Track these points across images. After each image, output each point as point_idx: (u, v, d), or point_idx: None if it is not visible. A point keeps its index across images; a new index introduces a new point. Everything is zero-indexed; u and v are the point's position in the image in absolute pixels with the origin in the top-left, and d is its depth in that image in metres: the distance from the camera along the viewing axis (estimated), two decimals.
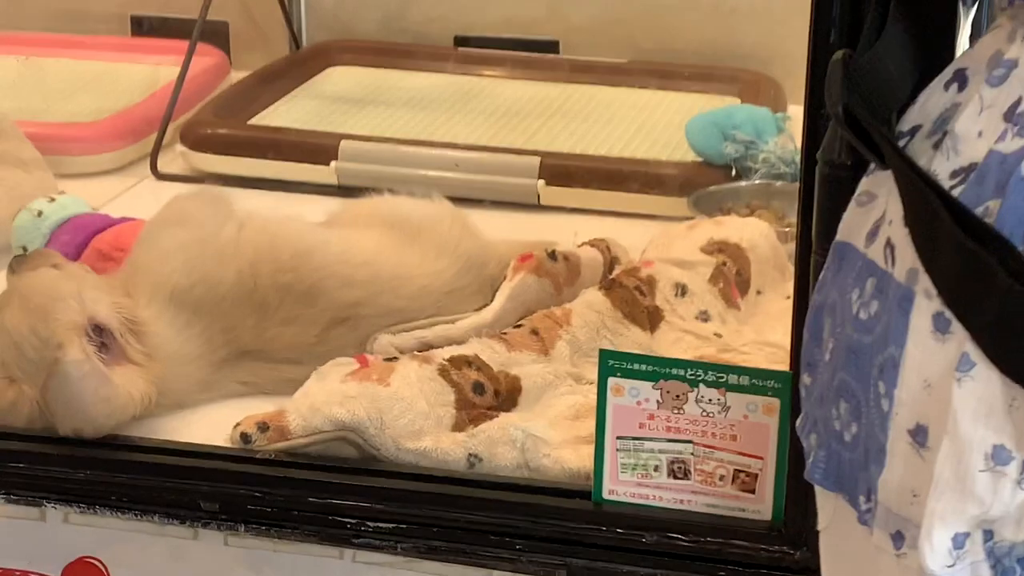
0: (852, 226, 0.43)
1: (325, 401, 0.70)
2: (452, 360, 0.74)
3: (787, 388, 0.58)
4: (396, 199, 0.91)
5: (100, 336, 0.72)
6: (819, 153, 0.56)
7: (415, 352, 0.77)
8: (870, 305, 0.39)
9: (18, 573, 0.72)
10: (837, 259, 0.43)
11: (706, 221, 0.93)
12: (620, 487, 0.63)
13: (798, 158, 0.97)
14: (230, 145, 1.12)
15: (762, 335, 0.83)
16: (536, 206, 1.05)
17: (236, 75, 1.35)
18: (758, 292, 0.89)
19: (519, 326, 0.79)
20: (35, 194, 1.03)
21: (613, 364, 0.60)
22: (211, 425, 0.77)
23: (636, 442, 0.61)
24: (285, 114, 1.22)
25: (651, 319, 0.82)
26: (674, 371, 0.60)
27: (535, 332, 0.78)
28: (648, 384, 0.59)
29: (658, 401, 0.60)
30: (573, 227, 1.02)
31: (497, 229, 1.01)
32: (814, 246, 0.57)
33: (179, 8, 1.38)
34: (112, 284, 0.79)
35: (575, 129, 1.20)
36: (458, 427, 0.71)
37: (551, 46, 1.37)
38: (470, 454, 0.69)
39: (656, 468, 0.62)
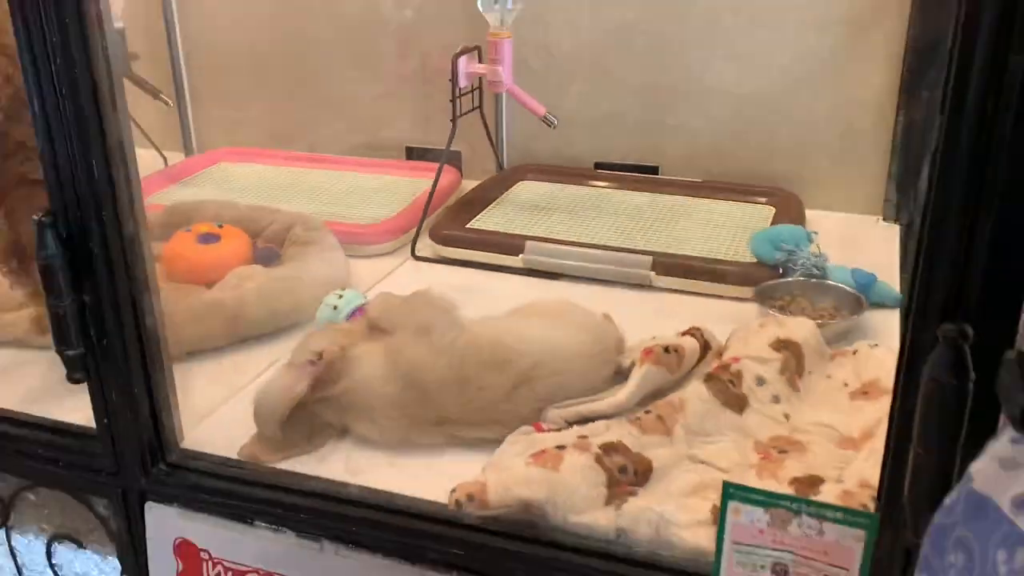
0: (992, 482, 0.38)
1: (515, 482, 0.80)
2: (604, 448, 0.84)
3: (874, 525, 0.63)
4: (552, 300, 1.10)
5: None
6: (927, 368, 0.52)
7: (576, 436, 0.88)
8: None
9: None
10: (972, 506, 0.39)
11: (771, 321, 1.04)
12: None
13: (823, 263, 1.24)
14: (457, 240, 1.39)
15: (816, 413, 0.93)
16: (649, 287, 1.29)
17: (467, 184, 1.64)
18: (809, 373, 0.99)
19: (648, 412, 0.89)
20: (336, 274, 1.28)
21: (733, 492, 0.65)
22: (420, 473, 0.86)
23: (748, 548, 0.67)
24: (491, 218, 1.46)
25: (739, 404, 0.92)
26: (781, 502, 0.64)
27: (660, 418, 0.89)
28: (760, 509, 0.64)
29: (768, 522, 0.64)
30: (672, 304, 1.27)
31: (622, 302, 1.24)
32: (915, 444, 0.55)
33: (438, 143, 1.60)
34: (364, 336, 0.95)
35: (671, 228, 1.44)
36: (608, 501, 0.80)
37: (654, 169, 1.64)
38: (618, 528, 0.78)
39: (762, 567, 0.67)
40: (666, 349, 0.99)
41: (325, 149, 1.79)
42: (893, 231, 1.52)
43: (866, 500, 0.76)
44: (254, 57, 1.83)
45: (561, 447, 0.86)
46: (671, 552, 0.77)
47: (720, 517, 0.71)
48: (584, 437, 0.91)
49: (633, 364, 1.01)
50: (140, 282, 0.85)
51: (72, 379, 0.85)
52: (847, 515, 0.66)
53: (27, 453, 0.95)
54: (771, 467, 0.89)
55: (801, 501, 0.68)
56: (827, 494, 0.78)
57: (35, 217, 0.79)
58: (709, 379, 0.96)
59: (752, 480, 0.88)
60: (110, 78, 0.79)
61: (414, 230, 1.45)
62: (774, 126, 1.57)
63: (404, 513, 0.83)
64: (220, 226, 1.32)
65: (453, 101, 1.44)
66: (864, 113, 1.51)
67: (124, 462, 0.90)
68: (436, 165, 1.49)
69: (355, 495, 0.85)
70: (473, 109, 1.53)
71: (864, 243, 1.45)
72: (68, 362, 0.84)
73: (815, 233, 1.31)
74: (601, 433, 0.92)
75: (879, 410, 0.94)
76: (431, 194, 1.45)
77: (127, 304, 0.84)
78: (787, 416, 0.95)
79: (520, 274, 1.36)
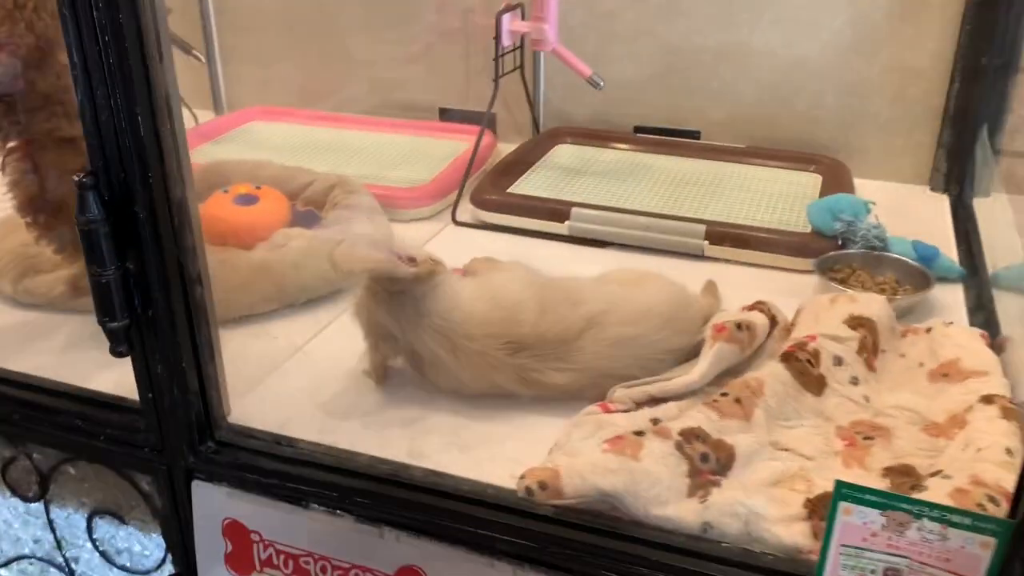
0: None
1: (591, 470, 0.71)
2: (683, 434, 0.75)
3: (1007, 533, 0.55)
4: (628, 269, 1.01)
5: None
6: None
7: (648, 419, 0.80)
8: None
9: (360, 567, 0.77)
10: None
11: (842, 297, 0.95)
12: None
13: (884, 234, 1.13)
14: (500, 206, 1.28)
15: (895, 396, 0.85)
16: (701, 257, 1.19)
17: (502, 147, 1.52)
18: (883, 352, 0.91)
19: (724, 394, 0.80)
20: (381, 239, 1.08)
21: (845, 492, 0.58)
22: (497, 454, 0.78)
23: (857, 551, 0.60)
24: (532, 183, 1.36)
25: (818, 386, 0.83)
26: (901, 505, 0.57)
27: (738, 401, 0.79)
28: (875, 511, 0.57)
29: (883, 525, 0.57)
30: (726, 275, 1.14)
31: (673, 272, 1.06)
32: None
33: (473, 104, 1.59)
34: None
35: (718, 196, 1.33)
36: (691, 493, 0.71)
37: (695, 134, 1.52)
38: (704, 522, 0.69)
39: (872, 572, 0.60)
40: (738, 326, 0.89)
41: (355, 109, 1.68)
42: (942, 201, 1.41)
43: (981, 499, 0.67)
44: (286, 15, 1.71)
45: (639, 433, 0.76)
46: (762, 549, 0.69)
47: (829, 516, 0.62)
48: (657, 420, 0.83)
49: (702, 341, 0.91)
50: (188, 249, 0.75)
51: (115, 352, 0.75)
52: (976, 521, 0.58)
53: (67, 426, 0.85)
54: (858, 454, 0.80)
55: (923, 504, 0.59)
56: (936, 490, 0.69)
57: (76, 177, 0.68)
58: (787, 359, 0.86)
59: (839, 469, 0.79)
60: (156, 26, 0.68)
61: (454, 194, 1.34)
62: (821, 92, 1.45)
63: (471, 500, 0.74)
64: (258, 187, 1.21)
65: (496, 60, 1.33)
66: (916, 80, 1.39)
67: (169, 439, 0.81)
68: (469, 127, 1.41)
69: (418, 479, 0.75)
70: (515, 69, 1.42)
71: (912, 213, 1.34)
72: (111, 334, 0.74)
73: (873, 203, 1.20)
74: (675, 416, 0.83)
75: (965, 393, 0.85)
76: (472, 158, 1.34)
77: (175, 273, 0.73)
78: (867, 399, 0.86)
79: (566, 241, 1.26)
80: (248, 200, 1.18)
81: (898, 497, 0.60)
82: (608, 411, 0.84)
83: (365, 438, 0.82)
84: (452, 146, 1.51)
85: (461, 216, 1.33)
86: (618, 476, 0.71)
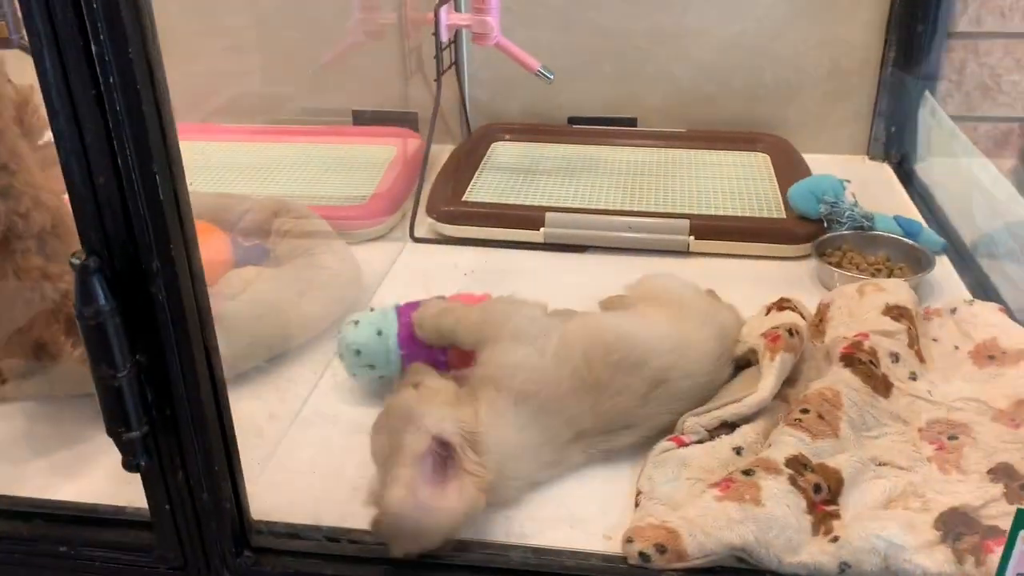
0: None
1: (714, 526, 0.64)
2: (791, 465, 0.69)
3: None
4: (660, 280, 0.91)
5: (444, 450, 0.65)
6: None
7: (731, 449, 0.73)
8: None
9: None
10: None
11: (868, 285, 0.90)
12: None
13: (870, 213, 1.10)
14: (462, 217, 1.17)
15: (952, 386, 0.81)
16: (686, 253, 1.13)
17: (434, 149, 1.31)
18: (919, 339, 0.86)
19: (805, 411, 0.73)
20: (349, 269, 1.02)
21: None
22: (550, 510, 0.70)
23: None
24: (485, 187, 1.27)
25: (886, 387, 0.78)
26: None
27: (821, 417, 0.73)
28: None
29: None
30: (715, 269, 1.11)
31: (658, 268, 1.05)
32: None
33: (386, 104, 1.46)
34: (461, 395, 0.72)
35: (679, 185, 1.27)
36: (815, 530, 0.66)
37: (632, 121, 1.46)
38: (841, 562, 0.63)
39: None
40: (790, 332, 0.84)
41: (256, 119, 1.51)
42: (883, 170, 1.42)
43: None
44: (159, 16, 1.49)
45: (748, 473, 0.69)
46: None
47: (1007, 546, 0.58)
48: (740, 449, 0.76)
49: (751, 351, 0.85)
50: (210, 327, 0.60)
51: (132, 467, 0.60)
52: None
53: (49, 554, 0.68)
54: (952, 458, 0.76)
55: None
56: None
57: (74, 260, 0.53)
58: (850, 362, 0.81)
59: (937, 477, 0.74)
60: (159, 56, 0.53)
61: (404, 208, 1.23)
62: (757, 69, 1.42)
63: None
64: None
65: (437, 57, 1.21)
66: (851, 51, 1.39)
67: (194, 554, 0.66)
68: (390, 129, 1.33)
69: (517, 561, 0.64)
70: (451, 66, 1.30)
71: (859, 185, 1.33)
72: (127, 446, 0.59)
73: (848, 181, 1.18)
74: (756, 440, 0.77)
75: (1022, 375, 0.83)
76: (424, 165, 1.23)
77: (202, 359, 0.59)
78: (930, 393, 0.83)
79: (540, 249, 1.17)
80: None
81: None
82: (683, 444, 0.77)
83: None
84: (378, 152, 1.38)
85: (419, 231, 1.21)
86: (746, 527, 0.65)
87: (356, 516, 0.68)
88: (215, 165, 1.37)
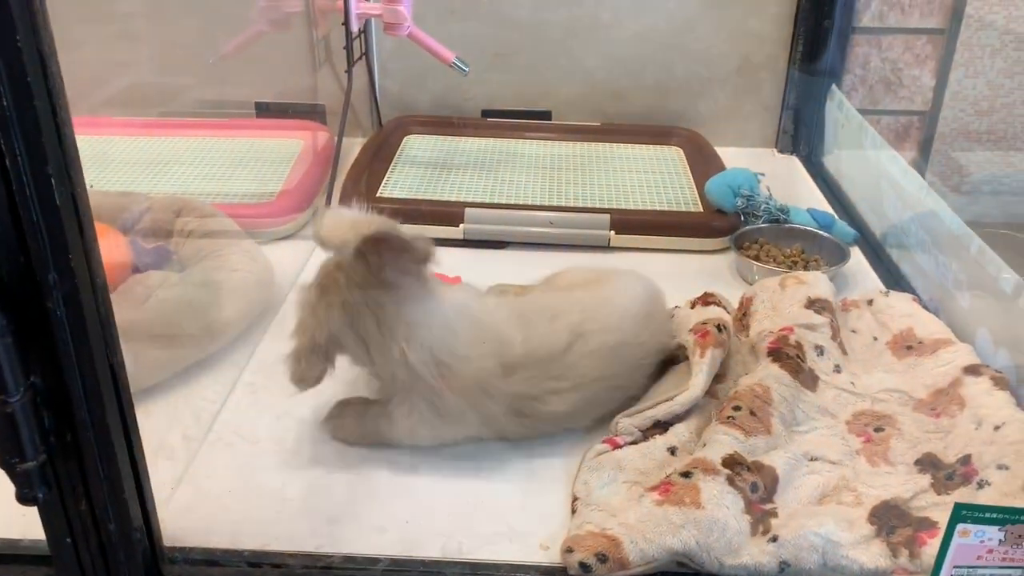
0: None
1: (655, 531, 0.62)
2: (728, 465, 0.68)
3: None
4: (579, 268, 0.91)
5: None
6: None
7: (666, 450, 0.72)
8: None
9: None
10: None
11: (789, 278, 0.91)
12: None
13: (786, 206, 1.11)
14: (379, 214, 1.20)
15: (873, 377, 0.82)
16: (606, 247, 1.12)
17: (345, 143, 1.28)
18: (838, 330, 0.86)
19: (737, 408, 0.73)
20: (262, 271, 0.96)
21: (965, 514, 0.54)
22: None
23: (970, 570, 0.56)
24: (399, 183, 1.22)
25: (812, 381, 0.78)
26: (1022, 518, 0.55)
27: (753, 413, 0.72)
28: (994, 527, 0.55)
29: (1000, 540, 0.55)
30: (635, 264, 1.03)
31: (580, 263, 1.03)
32: None
33: (291, 96, 1.40)
34: None
35: (597, 180, 1.26)
36: (753, 530, 0.65)
37: (546, 115, 1.45)
38: (781, 561, 0.62)
39: None
40: (719, 327, 0.83)
41: (153, 112, 1.43)
42: (791, 162, 1.44)
43: None
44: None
45: (687, 475, 0.67)
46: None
47: (943, 541, 0.57)
48: (674, 449, 0.75)
49: (680, 347, 0.84)
50: (115, 342, 0.55)
51: (28, 500, 0.54)
52: None
53: None
54: (880, 450, 0.76)
55: None
56: (1003, 485, 0.66)
57: None
58: (777, 357, 0.81)
59: (866, 470, 0.75)
60: (52, 45, 0.47)
61: (314, 206, 1.18)
62: (669, 62, 1.43)
63: None
64: None
65: (347, 48, 1.16)
66: (760, 45, 1.41)
67: None
68: (297, 122, 1.27)
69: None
70: (361, 56, 1.25)
71: (769, 178, 1.34)
72: (21, 478, 0.53)
73: (762, 175, 1.19)
74: (689, 440, 0.76)
75: (941, 365, 0.85)
76: (336, 160, 1.18)
77: (107, 378, 0.54)
78: (853, 385, 0.83)
79: (459, 246, 1.14)
80: None
81: (1019, 510, 0.57)
82: (617, 445, 0.75)
83: (343, 532, 0.66)
84: (285, 146, 1.32)
85: None
86: (687, 531, 0.63)
87: (280, 539, 0.63)
88: (109, 161, 1.29)
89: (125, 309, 0.88)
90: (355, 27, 1.16)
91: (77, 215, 0.49)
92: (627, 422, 0.77)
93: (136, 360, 0.81)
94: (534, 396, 0.75)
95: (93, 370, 0.53)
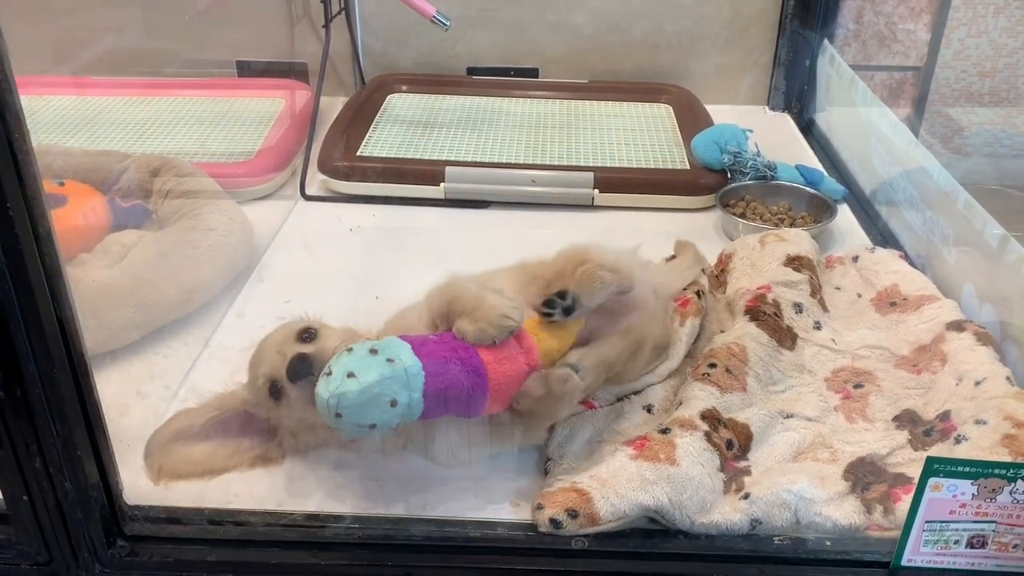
0: None
1: (627, 487, 0.61)
2: (706, 420, 0.66)
3: None
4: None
5: None
6: None
7: (642, 408, 0.71)
8: None
9: None
10: None
11: (770, 236, 0.89)
12: (919, 556, 0.58)
13: (773, 162, 1.08)
14: (356, 173, 1.10)
15: (855, 333, 0.80)
16: (591, 206, 1.09)
17: (325, 101, 1.24)
18: (821, 287, 0.85)
19: (713, 365, 0.72)
20: (241, 231, 0.93)
21: (938, 468, 0.54)
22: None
23: (943, 524, 0.56)
24: (380, 142, 1.19)
25: (791, 339, 0.77)
26: (996, 471, 0.54)
27: (729, 371, 0.71)
28: (967, 481, 0.54)
29: (973, 494, 0.54)
30: (620, 223, 1.07)
31: (565, 227, 1.06)
32: None
33: (272, 55, 1.37)
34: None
35: (583, 137, 1.23)
36: (727, 488, 0.64)
37: (533, 72, 1.41)
38: (752, 519, 0.61)
39: (956, 542, 0.56)
40: (698, 294, 0.82)
41: (130, 71, 1.39)
42: (783, 120, 1.41)
43: None
44: None
45: (665, 431, 0.66)
46: (816, 534, 0.62)
47: (916, 494, 0.56)
48: (651, 408, 0.74)
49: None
50: (63, 295, 0.53)
51: None
52: None
53: None
54: (858, 407, 0.75)
55: (1019, 466, 0.55)
56: (980, 439, 0.65)
57: None
58: (755, 316, 0.80)
59: (844, 426, 0.73)
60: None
61: (293, 164, 1.16)
62: (658, 18, 1.39)
63: (479, 548, 0.60)
64: (61, 183, 0.95)
65: (325, 2, 1.12)
66: (751, 0, 1.36)
67: (61, 548, 0.59)
68: (277, 81, 1.26)
69: (419, 537, 0.59)
70: (340, 11, 1.22)
71: (760, 135, 1.31)
72: None
73: (750, 131, 1.16)
74: (664, 396, 0.75)
75: (925, 321, 0.83)
76: (314, 118, 1.15)
77: (54, 331, 0.52)
78: (834, 342, 0.82)
79: (440, 206, 1.11)
80: (54, 201, 0.92)
81: (992, 464, 0.56)
82: (593, 407, 0.74)
83: (308, 488, 0.65)
84: (265, 105, 1.29)
85: (311, 189, 1.14)
86: (660, 488, 0.62)
87: (241, 496, 0.62)
88: (90, 122, 1.27)
89: (99, 268, 0.86)
90: None
91: (15, 162, 0.47)
92: (605, 388, 0.75)
93: (109, 318, 0.80)
94: None
95: (39, 323, 0.51)
